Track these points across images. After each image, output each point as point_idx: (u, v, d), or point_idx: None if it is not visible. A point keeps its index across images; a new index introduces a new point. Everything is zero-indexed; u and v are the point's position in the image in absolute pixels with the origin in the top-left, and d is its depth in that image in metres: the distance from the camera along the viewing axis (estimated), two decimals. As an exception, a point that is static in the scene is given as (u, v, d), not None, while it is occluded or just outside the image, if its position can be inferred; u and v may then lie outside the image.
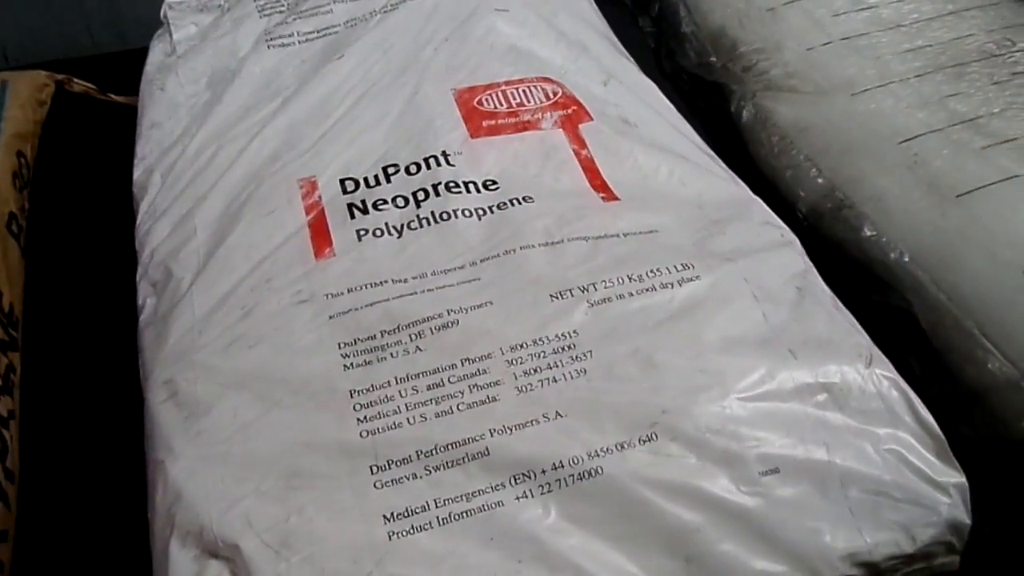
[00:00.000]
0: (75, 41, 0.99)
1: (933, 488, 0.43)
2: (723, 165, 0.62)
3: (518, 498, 0.41)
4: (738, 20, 0.79)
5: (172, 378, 0.46)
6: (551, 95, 0.61)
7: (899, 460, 0.44)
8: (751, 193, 0.58)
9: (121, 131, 0.70)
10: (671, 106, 0.67)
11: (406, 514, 0.40)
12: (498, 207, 0.53)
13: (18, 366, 0.54)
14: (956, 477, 0.44)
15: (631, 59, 0.72)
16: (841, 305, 0.51)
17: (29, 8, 0.97)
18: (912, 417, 0.45)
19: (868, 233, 0.62)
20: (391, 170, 0.56)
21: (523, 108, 0.60)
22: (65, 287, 0.62)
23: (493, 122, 0.59)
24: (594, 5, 0.77)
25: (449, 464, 0.42)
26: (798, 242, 0.54)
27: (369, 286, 0.49)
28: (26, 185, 0.64)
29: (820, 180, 0.66)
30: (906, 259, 0.59)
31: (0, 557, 0.45)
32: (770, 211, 0.57)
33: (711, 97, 0.78)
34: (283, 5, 0.71)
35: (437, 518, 0.40)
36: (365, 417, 0.43)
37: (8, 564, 0.46)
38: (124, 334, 0.54)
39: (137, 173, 0.62)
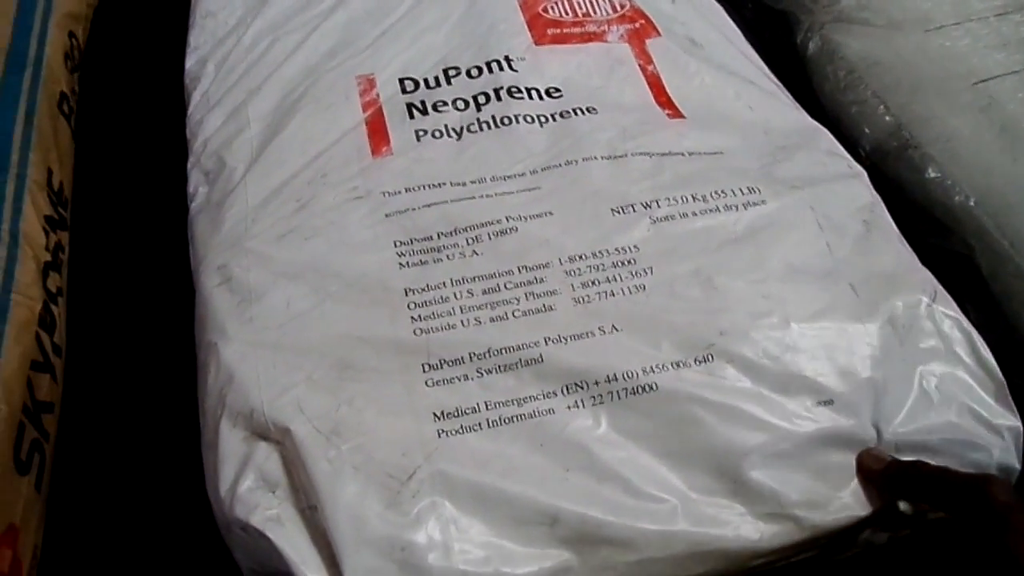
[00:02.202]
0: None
1: (987, 430, 0.43)
2: (787, 93, 0.60)
3: (569, 407, 0.40)
4: (811, -53, 0.75)
5: (226, 264, 0.45)
6: (619, 7, 0.59)
7: (955, 399, 0.43)
8: (816, 123, 0.56)
9: (171, 19, 0.68)
10: (738, 30, 0.65)
11: (456, 414, 0.40)
12: (560, 115, 0.52)
13: (67, 245, 0.54)
14: (1012, 420, 0.43)
15: (698, -22, 0.69)
16: (905, 242, 0.49)
17: None
18: (973, 358, 0.44)
19: (933, 175, 0.60)
20: (452, 72, 0.54)
21: (589, 19, 0.58)
22: (114, 170, 0.62)
23: (558, 30, 0.57)
24: (663, -80, 0.74)
25: (502, 368, 0.41)
26: (865, 174, 0.52)
27: (427, 187, 0.48)
28: (77, 67, 0.63)
29: (887, 118, 0.64)
30: (971, 203, 0.58)
31: (47, 428, 0.45)
32: (836, 141, 0.55)
33: (776, 27, 0.75)
34: (344, -103, 0.68)
35: (487, 420, 0.40)
36: (419, 316, 0.42)
37: (54, 435, 0.46)
38: (172, 219, 0.54)
39: (190, 63, 0.61)
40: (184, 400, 0.45)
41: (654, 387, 0.41)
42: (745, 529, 0.39)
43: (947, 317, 0.45)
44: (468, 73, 0.54)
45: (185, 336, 0.47)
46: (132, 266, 0.56)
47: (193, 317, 0.46)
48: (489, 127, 0.51)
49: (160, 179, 0.58)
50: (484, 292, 0.43)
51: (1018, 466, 0.43)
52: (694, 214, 0.47)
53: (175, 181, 0.55)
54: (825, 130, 0.55)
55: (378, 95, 0.53)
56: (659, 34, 0.58)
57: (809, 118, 0.56)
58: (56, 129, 0.56)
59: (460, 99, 0.53)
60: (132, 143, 0.63)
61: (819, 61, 0.70)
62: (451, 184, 0.48)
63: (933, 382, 0.43)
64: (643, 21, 0.58)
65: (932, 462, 0.40)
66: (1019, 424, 0.43)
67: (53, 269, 0.50)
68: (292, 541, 0.36)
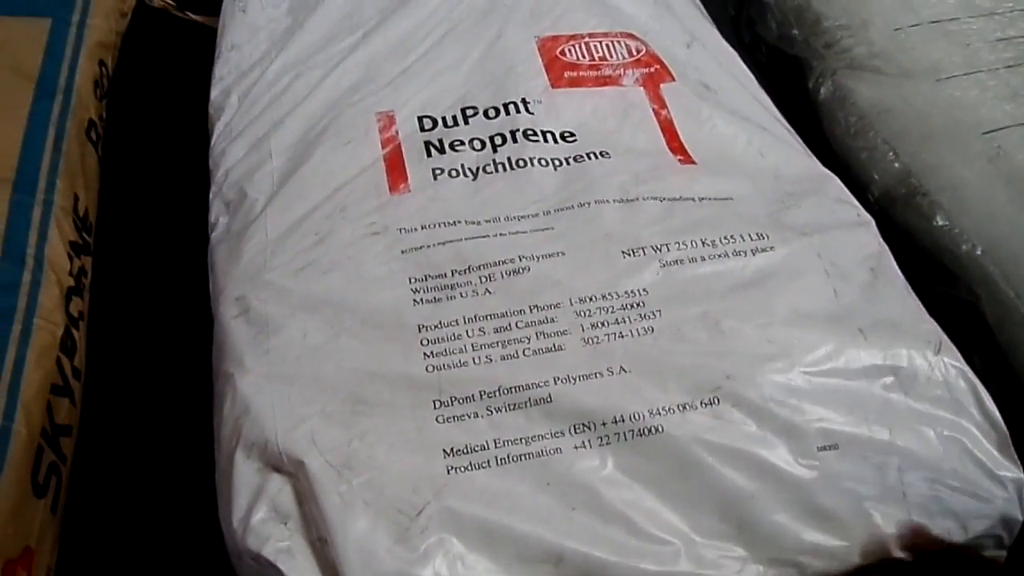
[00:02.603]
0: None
1: (991, 481, 0.43)
2: (798, 139, 0.61)
3: (576, 447, 0.41)
4: (824, -7, 0.77)
5: (244, 295, 0.46)
6: (634, 52, 0.60)
7: (960, 449, 0.43)
8: (826, 170, 0.57)
9: (196, 49, 0.70)
10: (751, 75, 0.66)
11: (466, 451, 0.41)
12: (574, 159, 0.53)
13: (89, 270, 0.55)
14: (1015, 472, 0.43)
15: (712, 23, 0.71)
16: (911, 291, 0.50)
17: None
18: (977, 408, 0.45)
19: (941, 222, 0.61)
20: (469, 112, 0.55)
21: (605, 62, 0.59)
22: (137, 197, 0.63)
23: (575, 73, 0.58)
24: (679, -35, 0.76)
25: (511, 407, 0.42)
26: (874, 223, 0.53)
27: (442, 224, 0.49)
28: (105, 95, 0.65)
29: (896, 165, 0.65)
30: (978, 252, 0.58)
31: (64, 451, 0.46)
32: (845, 189, 0.56)
33: (789, 71, 0.76)
34: (369, -64, 0.70)
35: (496, 458, 0.41)
36: (432, 353, 0.43)
37: (70, 458, 0.47)
38: (192, 247, 0.55)
39: (214, 93, 0.62)
40: (198, 427, 0.46)
41: (660, 429, 0.42)
42: (748, 573, 0.40)
43: (952, 368, 0.45)
44: (486, 113, 0.55)
45: (201, 362, 0.48)
46: (151, 291, 0.58)
47: (210, 344, 0.48)
48: (504, 168, 0.52)
49: (182, 207, 0.59)
50: (496, 330, 0.44)
51: (1020, 517, 0.44)
52: (703, 259, 0.48)
53: (196, 209, 0.57)
54: (835, 177, 0.56)
55: (397, 132, 0.54)
56: (673, 79, 0.59)
57: (820, 165, 0.57)
58: (83, 155, 0.58)
59: (477, 139, 0.54)
60: (156, 170, 0.65)
61: (830, 106, 0.71)
62: (466, 223, 0.49)
63: (937, 432, 0.44)
64: (658, 66, 0.60)
65: (934, 510, 0.41)
66: (1022, 476, 0.44)
67: (76, 294, 0.51)
68: (302, 573, 0.37)
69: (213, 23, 0.72)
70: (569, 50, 0.59)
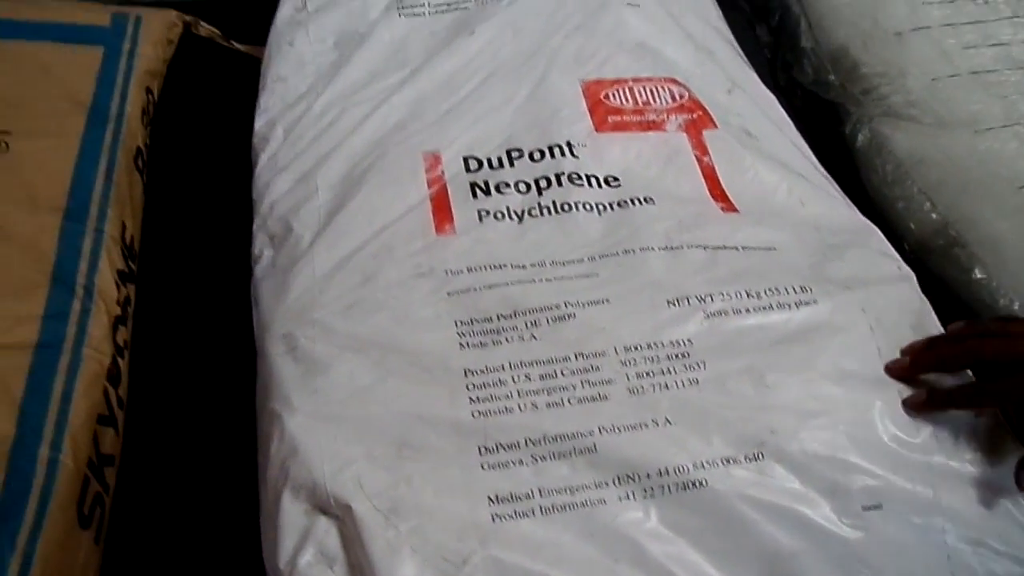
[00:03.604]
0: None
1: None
2: (837, 188, 0.61)
3: (620, 498, 0.41)
4: (862, 41, 0.77)
5: (291, 333, 0.47)
6: (677, 97, 0.61)
7: (1003, 511, 0.43)
8: (867, 221, 0.58)
9: (241, 78, 0.71)
10: (790, 121, 0.66)
11: (510, 499, 0.41)
12: (619, 204, 0.53)
13: (133, 297, 0.56)
14: (1059, 536, 0.43)
15: (751, 68, 0.71)
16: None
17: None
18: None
19: (979, 276, 0.61)
20: (515, 154, 0.56)
21: (648, 107, 0.60)
22: (179, 225, 0.64)
23: (619, 118, 0.59)
24: (719, 9, 0.77)
25: (556, 456, 0.42)
26: (914, 278, 0.53)
27: (488, 268, 0.49)
28: (151, 122, 0.66)
29: (934, 215, 0.65)
30: (1016, 306, 0.58)
31: (108, 480, 0.47)
32: (886, 241, 0.56)
33: (825, 116, 0.77)
34: (415, -27, 0.71)
35: (540, 507, 0.41)
36: (477, 398, 0.44)
37: (113, 488, 0.48)
38: (232, 275, 0.56)
39: (259, 124, 0.63)
40: (238, 460, 0.46)
41: (704, 483, 0.42)
42: (789, 632, 0.40)
43: (995, 428, 0.45)
44: (531, 156, 0.56)
45: (241, 392, 0.48)
46: (191, 320, 0.58)
47: (250, 375, 0.48)
48: (550, 212, 0.52)
49: (223, 235, 0.60)
50: (541, 377, 0.45)
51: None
52: (747, 311, 0.48)
53: (237, 238, 0.57)
54: (876, 229, 0.56)
55: (443, 172, 0.55)
56: (715, 126, 0.60)
57: (860, 215, 0.58)
58: (131, 183, 0.59)
59: (522, 182, 0.54)
60: (198, 198, 0.65)
61: (867, 154, 0.71)
62: (512, 266, 0.49)
63: (982, 491, 0.44)
64: (700, 112, 0.60)
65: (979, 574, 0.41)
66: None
67: (122, 323, 0.52)
68: (349, 619, 0.37)
69: (258, 53, 0.73)
70: (613, 94, 0.60)
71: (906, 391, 0.46)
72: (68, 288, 0.49)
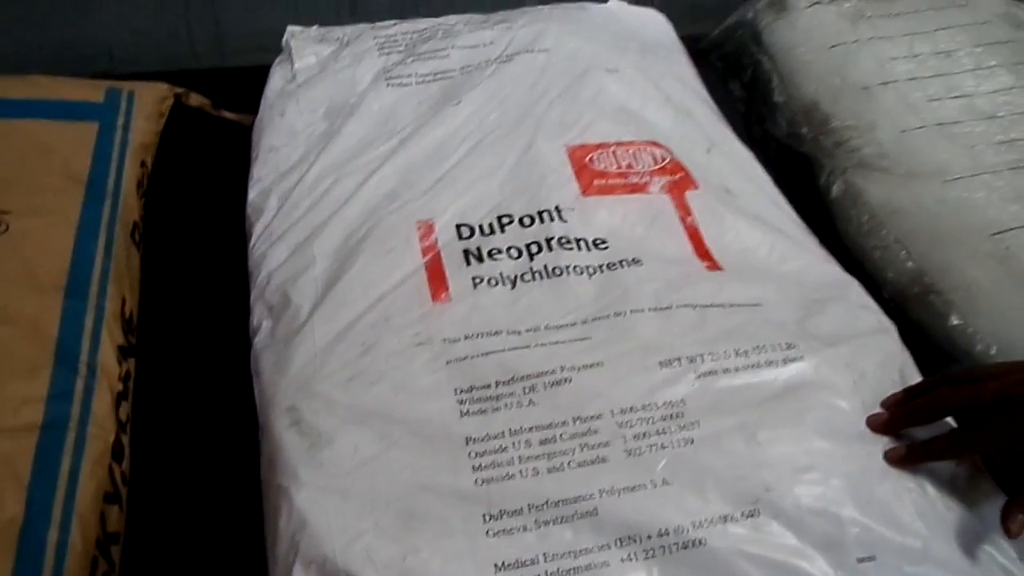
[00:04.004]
0: (177, 50, 1.02)
1: (1026, 585, 0.44)
2: (817, 241, 0.63)
3: (623, 560, 0.42)
4: (831, 95, 0.80)
5: (295, 406, 0.48)
6: (659, 159, 0.63)
7: (990, 559, 0.45)
8: (847, 274, 0.60)
9: (230, 147, 0.73)
10: (768, 177, 0.69)
11: (516, 565, 0.42)
12: (608, 267, 0.55)
13: (133, 371, 0.56)
14: (1049, 583, 0.45)
15: (728, 126, 0.74)
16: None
17: (137, 13, 1.01)
18: (1005, 518, 0.46)
19: (955, 322, 0.63)
20: (505, 220, 0.58)
21: (632, 170, 0.62)
22: (174, 297, 0.65)
23: (604, 181, 0.61)
24: (694, 69, 0.79)
25: (559, 520, 0.43)
26: (895, 329, 0.55)
27: (484, 335, 0.50)
28: (145, 194, 0.67)
29: (909, 264, 0.67)
30: (992, 351, 0.60)
31: (114, 558, 0.47)
32: (866, 294, 0.58)
33: (800, 168, 0.79)
34: (401, 45, 0.73)
35: (546, 572, 0.42)
36: (480, 465, 0.45)
37: (119, 564, 0.48)
38: (229, 346, 0.57)
39: (253, 194, 0.65)
40: (242, 535, 0.47)
41: (703, 542, 0.43)
42: None
43: (982, 479, 0.47)
44: (521, 221, 0.58)
45: (241, 462, 0.49)
46: (193, 393, 0.59)
47: (249, 445, 0.49)
48: (541, 277, 0.54)
49: (219, 306, 0.61)
50: (541, 442, 0.46)
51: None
52: (736, 369, 0.49)
53: (233, 308, 0.58)
54: (855, 281, 0.58)
55: (436, 240, 0.56)
56: (697, 186, 0.62)
57: (839, 269, 0.60)
58: (129, 257, 0.60)
59: (514, 247, 0.56)
60: (193, 269, 0.66)
61: (842, 204, 0.74)
62: (507, 332, 0.51)
63: (971, 541, 0.45)
64: (682, 173, 0.62)
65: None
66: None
67: (123, 398, 0.53)
68: None
69: (246, 121, 0.74)
70: (598, 158, 0.62)
71: (891, 443, 0.48)
72: (71, 367, 0.50)
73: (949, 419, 0.49)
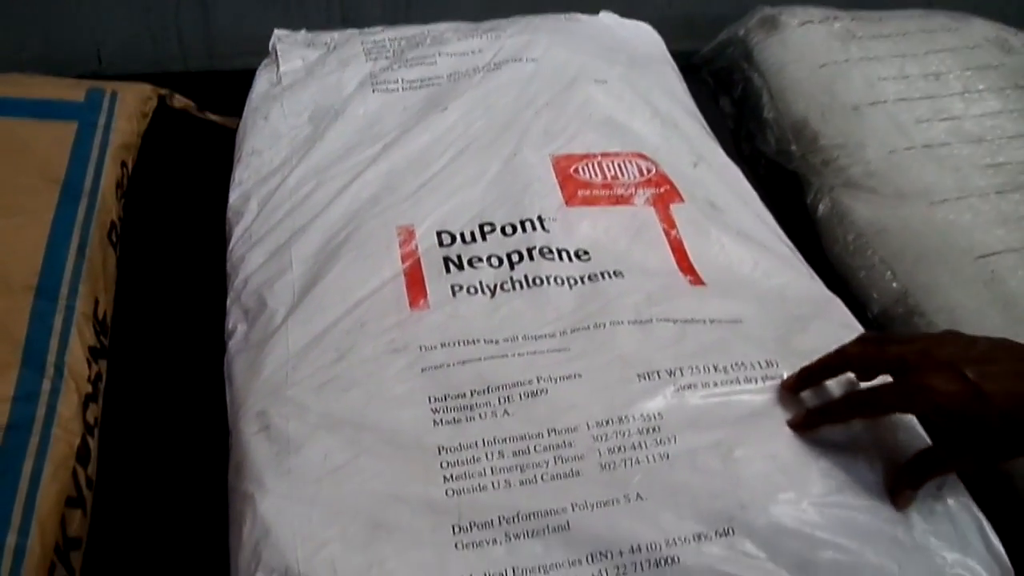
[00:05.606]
0: (166, 52, 1.02)
1: (998, 617, 0.44)
2: (801, 259, 0.63)
3: (594, 576, 0.41)
4: (821, 113, 0.80)
5: (265, 411, 0.47)
6: (645, 172, 0.63)
7: (960, 582, 0.44)
8: (830, 292, 0.59)
9: (214, 149, 0.72)
10: (754, 193, 0.68)
11: (484, 579, 0.41)
12: (589, 278, 0.55)
13: (105, 374, 0.55)
14: (1021, 609, 0.44)
15: (716, 141, 0.73)
16: (915, 420, 0.51)
17: (127, 15, 1.00)
18: (982, 543, 0.45)
19: (939, 344, 0.62)
20: (487, 228, 0.57)
21: (617, 182, 0.62)
22: (151, 299, 0.64)
23: (588, 192, 0.60)
24: (684, 83, 0.79)
25: (530, 534, 0.42)
26: (877, 349, 0.54)
27: (461, 343, 0.50)
28: (124, 195, 0.66)
29: (894, 284, 0.67)
30: (975, 375, 0.60)
31: (73, 564, 0.46)
32: (849, 313, 0.58)
33: (788, 185, 0.79)
34: (389, 51, 0.73)
35: (514, 587, 0.41)
36: (451, 476, 0.44)
37: (79, 572, 0.47)
38: (205, 349, 0.56)
39: (233, 197, 0.64)
40: (208, 542, 0.46)
41: (676, 560, 0.42)
42: None
43: (956, 502, 0.46)
44: (503, 230, 0.57)
45: (212, 469, 0.48)
46: (165, 397, 0.58)
47: (217, 447, 0.48)
48: (521, 286, 0.53)
49: (197, 309, 0.60)
50: (514, 454, 0.45)
51: (1026, 653, 0.44)
52: (715, 384, 0.49)
53: (211, 311, 0.57)
54: (839, 301, 0.58)
55: (417, 247, 0.56)
56: (682, 199, 0.61)
57: (823, 287, 0.59)
58: (105, 258, 0.59)
59: (495, 256, 0.55)
60: (171, 271, 0.65)
61: (828, 223, 0.74)
62: (484, 341, 0.50)
63: (944, 567, 0.44)
64: (668, 186, 0.62)
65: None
66: (1028, 613, 0.44)
67: (92, 400, 0.52)
68: None
69: (232, 124, 0.74)
70: (583, 169, 0.62)
71: (873, 463, 0.47)
72: (38, 368, 0.49)
73: None
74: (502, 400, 0.47)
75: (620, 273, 0.55)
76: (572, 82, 0.68)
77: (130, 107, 0.68)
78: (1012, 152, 0.75)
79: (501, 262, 0.55)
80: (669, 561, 0.42)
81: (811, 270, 0.62)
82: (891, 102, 0.79)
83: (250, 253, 0.58)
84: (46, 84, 0.67)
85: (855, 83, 0.81)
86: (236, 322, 0.55)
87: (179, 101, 0.76)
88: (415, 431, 0.45)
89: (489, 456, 0.45)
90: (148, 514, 0.52)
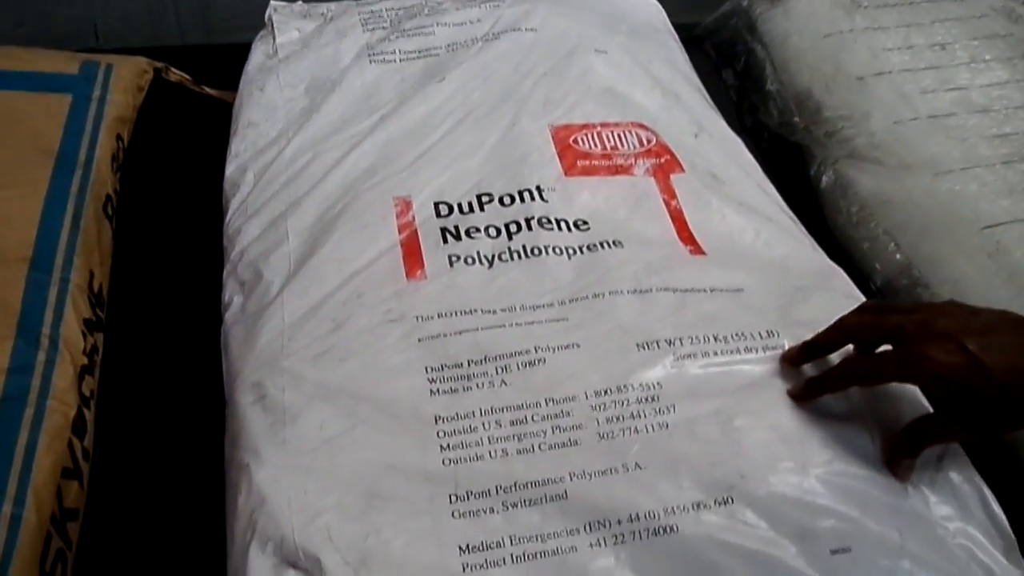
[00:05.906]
0: (163, 27, 1.01)
1: (998, 585, 0.43)
2: (804, 230, 0.62)
3: (592, 545, 0.41)
4: (825, 84, 0.79)
5: (261, 381, 0.46)
6: (645, 142, 0.62)
7: (967, 554, 0.44)
8: (832, 263, 0.59)
9: (212, 123, 0.71)
10: (756, 164, 0.68)
11: (481, 548, 0.41)
12: (588, 248, 0.54)
13: (101, 346, 0.55)
14: (1021, 577, 0.44)
15: (718, 112, 0.72)
16: (919, 391, 0.51)
17: (126, -12, 0.99)
18: (984, 513, 0.45)
19: (942, 315, 0.61)
20: (485, 199, 0.57)
21: (617, 152, 0.61)
22: (148, 271, 0.63)
23: (587, 162, 0.59)
24: (685, 54, 0.78)
25: (527, 503, 0.42)
26: (880, 319, 0.54)
27: (459, 313, 0.49)
28: (120, 168, 0.66)
29: (898, 256, 0.66)
30: (979, 346, 0.59)
31: (70, 536, 0.46)
32: (851, 283, 0.57)
33: (791, 157, 0.78)
34: (386, 21, 0.72)
35: (511, 555, 0.40)
36: (448, 445, 0.43)
37: (76, 543, 0.47)
38: (202, 322, 0.55)
39: (230, 169, 0.63)
40: (204, 511, 0.45)
41: (675, 529, 0.42)
42: (761, 678, 0.39)
43: (959, 472, 0.46)
44: (501, 200, 0.56)
45: (209, 440, 0.48)
46: (162, 369, 0.57)
47: (218, 422, 0.47)
48: (519, 256, 0.53)
49: (193, 282, 0.59)
50: (512, 423, 0.45)
51: (1028, 623, 0.44)
52: (715, 354, 0.48)
53: (207, 284, 0.57)
54: (841, 271, 0.57)
55: (414, 217, 0.55)
56: (683, 170, 0.61)
57: (825, 257, 0.59)
58: (100, 230, 0.58)
59: (492, 226, 0.55)
60: (168, 244, 0.65)
61: (832, 194, 0.73)
62: (482, 312, 0.49)
63: (946, 536, 0.44)
64: (668, 156, 0.61)
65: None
66: (1029, 581, 0.44)
67: (88, 372, 0.51)
68: (317, 675, 0.37)
69: (229, 98, 0.73)
70: (582, 139, 0.61)
71: (874, 434, 0.46)
72: (33, 339, 0.49)
73: None
74: (499, 370, 0.47)
75: (619, 243, 0.54)
76: (572, 52, 0.67)
77: (125, 80, 0.68)
78: (1019, 122, 0.74)
79: (499, 232, 0.54)
80: (668, 530, 0.42)
81: (813, 241, 0.61)
82: (896, 72, 0.78)
83: (246, 225, 0.58)
84: (40, 57, 0.66)
85: (860, 53, 0.79)
86: (232, 294, 0.54)
87: (175, 74, 0.75)
88: (412, 401, 0.45)
89: (486, 425, 0.44)
90: (146, 486, 0.52)
